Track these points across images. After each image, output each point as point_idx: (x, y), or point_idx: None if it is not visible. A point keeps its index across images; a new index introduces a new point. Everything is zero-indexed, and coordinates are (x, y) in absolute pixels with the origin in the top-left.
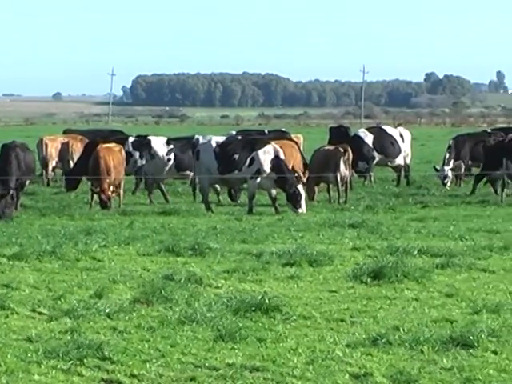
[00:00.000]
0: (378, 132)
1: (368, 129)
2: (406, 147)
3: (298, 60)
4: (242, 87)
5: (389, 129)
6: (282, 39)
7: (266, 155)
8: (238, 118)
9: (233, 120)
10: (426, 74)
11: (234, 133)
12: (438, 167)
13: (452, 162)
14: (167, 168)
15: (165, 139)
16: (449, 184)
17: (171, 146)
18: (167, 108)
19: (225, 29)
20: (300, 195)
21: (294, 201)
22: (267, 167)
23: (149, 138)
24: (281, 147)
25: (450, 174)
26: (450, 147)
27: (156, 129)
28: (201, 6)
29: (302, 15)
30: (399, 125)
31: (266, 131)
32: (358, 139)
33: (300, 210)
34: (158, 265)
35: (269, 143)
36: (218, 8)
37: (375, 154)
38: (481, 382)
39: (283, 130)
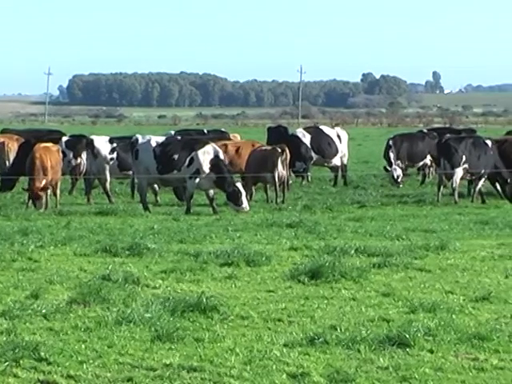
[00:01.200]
0: (315, 132)
1: (306, 129)
2: (343, 147)
3: (236, 60)
4: (180, 87)
5: (326, 129)
6: (219, 39)
7: (205, 155)
8: (175, 118)
9: (170, 120)
10: (363, 75)
11: (172, 133)
12: (388, 168)
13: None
14: (109, 167)
15: (107, 138)
16: (401, 182)
17: (114, 145)
18: (104, 108)
19: (162, 28)
20: (240, 192)
21: (234, 199)
22: (206, 167)
23: (91, 137)
24: (240, 147)
25: (400, 172)
26: (390, 147)
27: (93, 129)
28: (137, 5)
29: (239, 15)
30: (336, 125)
31: (206, 131)
32: (296, 139)
33: (243, 206)
34: (94, 265)
35: (208, 143)
36: (155, 7)
37: (313, 154)
38: (417, 380)
39: (222, 129)
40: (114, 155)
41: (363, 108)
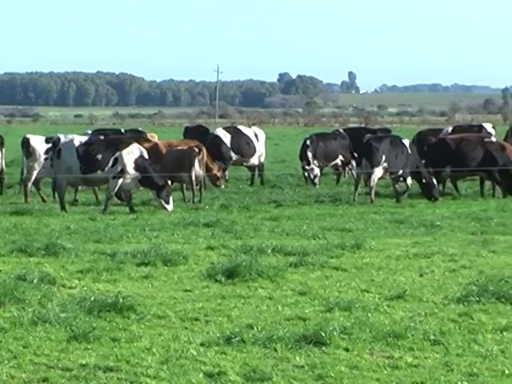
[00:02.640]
0: (234, 132)
1: (225, 128)
2: (260, 147)
3: (153, 60)
4: (96, 86)
5: (244, 128)
6: (136, 38)
7: (129, 155)
8: (91, 118)
9: (87, 119)
10: (280, 75)
11: (89, 132)
12: (307, 167)
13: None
14: (44, 167)
15: (43, 138)
16: (317, 182)
17: (50, 145)
18: (20, 107)
19: (78, 27)
20: (170, 192)
21: (165, 197)
22: (131, 167)
23: (27, 136)
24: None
25: (318, 172)
26: (308, 146)
27: (8, 128)
28: (53, 4)
29: (156, 14)
30: (253, 124)
31: (123, 130)
32: (217, 139)
33: (168, 207)
34: (10, 265)
35: (132, 143)
36: (70, 6)
37: (232, 153)
38: (332, 378)
39: (140, 129)
40: (49, 155)
41: (280, 108)
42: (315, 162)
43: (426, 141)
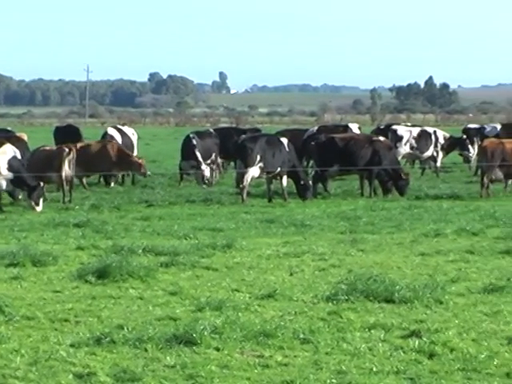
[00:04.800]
0: (121, 132)
1: (115, 128)
2: (134, 146)
3: (21, 59)
4: None
5: (125, 128)
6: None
7: (2, 156)
8: None
9: None
10: (150, 74)
11: None
12: (203, 167)
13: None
14: None
15: None
16: (212, 181)
17: None
18: None
19: None
20: (42, 193)
21: (35, 198)
22: (4, 168)
23: None
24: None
25: (209, 172)
26: (195, 146)
27: None
28: None
29: (24, 13)
30: (123, 124)
31: None
32: (112, 138)
33: (38, 208)
34: None
35: (5, 143)
36: None
37: None
38: (203, 378)
39: (8, 128)
40: None
41: (151, 108)
42: (206, 161)
43: (315, 139)
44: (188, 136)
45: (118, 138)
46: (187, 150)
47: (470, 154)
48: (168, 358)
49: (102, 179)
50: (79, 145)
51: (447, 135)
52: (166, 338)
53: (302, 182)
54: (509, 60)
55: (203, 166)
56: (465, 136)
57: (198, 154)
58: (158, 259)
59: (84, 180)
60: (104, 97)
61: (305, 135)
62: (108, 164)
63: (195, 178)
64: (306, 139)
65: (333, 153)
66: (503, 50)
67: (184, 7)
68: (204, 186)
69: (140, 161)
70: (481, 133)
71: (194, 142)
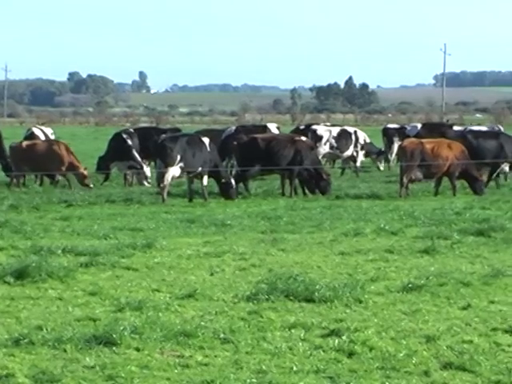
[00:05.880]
0: (43, 132)
1: (39, 128)
2: None
3: None
4: None
5: (45, 129)
6: None
7: None
8: None
9: None
10: (70, 74)
11: None
12: (146, 168)
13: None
14: None
15: None
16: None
17: None
18: None
19: None
20: None
21: None
22: None
23: None
24: None
25: (149, 171)
26: (130, 146)
27: None
28: None
29: None
30: (43, 124)
31: None
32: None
33: None
34: None
35: None
36: None
37: None
38: (123, 378)
39: None
40: None
41: (70, 107)
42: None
43: (237, 139)
44: (121, 136)
45: (42, 137)
46: (122, 151)
47: (381, 164)
48: (87, 358)
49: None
50: (25, 143)
51: (368, 140)
52: (86, 338)
53: (223, 181)
54: (427, 60)
55: (145, 167)
56: (383, 149)
57: (136, 155)
58: (78, 259)
59: (21, 179)
60: (23, 96)
61: (223, 135)
62: (57, 164)
63: (137, 178)
64: (224, 139)
65: (255, 153)
66: (421, 50)
67: (104, 7)
68: (147, 185)
69: (85, 172)
70: (402, 132)
71: (130, 142)
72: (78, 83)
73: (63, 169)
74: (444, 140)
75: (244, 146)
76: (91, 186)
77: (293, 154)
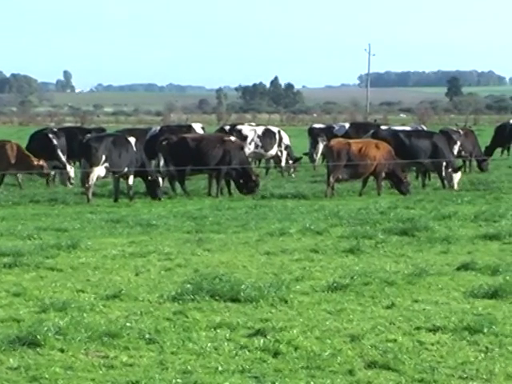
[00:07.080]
0: None
1: None
2: None
3: None
4: None
5: None
6: None
7: None
8: None
9: None
10: None
11: None
12: (69, 168)
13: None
14: None
15: None
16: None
17: None
18: None
19: None
20: None
21: None
22: None
23: None
24: None
25: (72, 171)
26: (56, 145)
27: None
28: None
29: None
30: None
31: None
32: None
33: None
34: None
35: None
36: None
37: None
38: (47, 380)
39: None
40: None
41: None
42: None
43: (167, 139)
44: (46, 135)
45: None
46: (47, 150)
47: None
48: (11, 360)
49: None
50: None
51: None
52: (9, 339)
53: (150, 179)
54: (351, 61)
55: (68, 167)
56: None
57: (61, 154)
58: (1, 260)
59: None
60: None
61: (147, 135)
62: (5, 164)
63: (60, 178)
64: (148, 139)
65: (185, 153)
66: (346, 50)
67: (26, 5)
68: (70, 186)
69: (41, 162)
70: (328, 132)
71: (55, 141)
72: (1, 82)
73: (15, 169)
74: (371, 140)
75: (174, 145)
76: (52, 172)
77: (222, 153)
